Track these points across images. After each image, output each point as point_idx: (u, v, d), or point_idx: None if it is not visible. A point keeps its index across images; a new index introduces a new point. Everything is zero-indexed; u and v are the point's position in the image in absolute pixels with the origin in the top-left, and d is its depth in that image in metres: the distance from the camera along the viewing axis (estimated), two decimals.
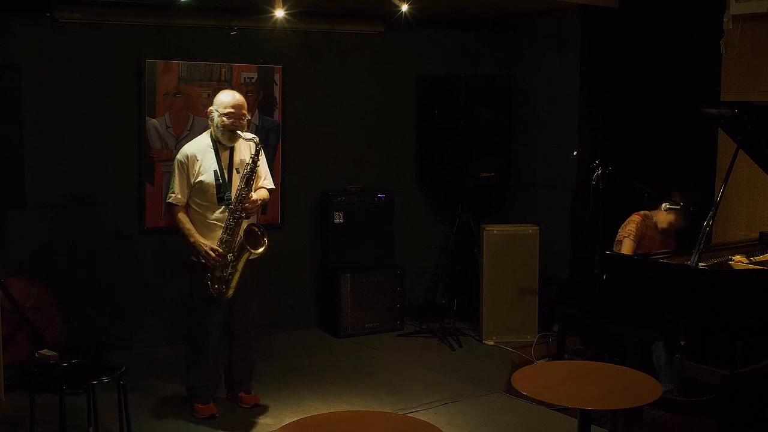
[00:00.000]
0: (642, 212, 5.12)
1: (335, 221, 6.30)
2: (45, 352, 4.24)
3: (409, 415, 4.37)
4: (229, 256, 4.42)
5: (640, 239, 5.02)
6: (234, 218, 4.43)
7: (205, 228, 4.50)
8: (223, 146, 4.52)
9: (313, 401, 4.88)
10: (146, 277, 5.84)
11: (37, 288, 5.20)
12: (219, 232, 4.46)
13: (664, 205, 4.98)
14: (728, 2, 5.17)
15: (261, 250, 4.45)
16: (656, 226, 5.08)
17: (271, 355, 5.59)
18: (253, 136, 4.51)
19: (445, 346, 6.04)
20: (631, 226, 5.07)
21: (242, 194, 4.42)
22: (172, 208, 4.52)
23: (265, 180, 4.68)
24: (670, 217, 5.01)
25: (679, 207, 4.93)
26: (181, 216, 4.50)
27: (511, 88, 6.53)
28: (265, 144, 6.05)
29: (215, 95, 4.55)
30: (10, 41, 5.30)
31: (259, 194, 4.56)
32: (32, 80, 5.37)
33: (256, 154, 4.47)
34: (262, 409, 4.73)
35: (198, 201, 4.52)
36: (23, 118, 5.32)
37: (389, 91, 6.64)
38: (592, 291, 5.08)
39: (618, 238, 5.11)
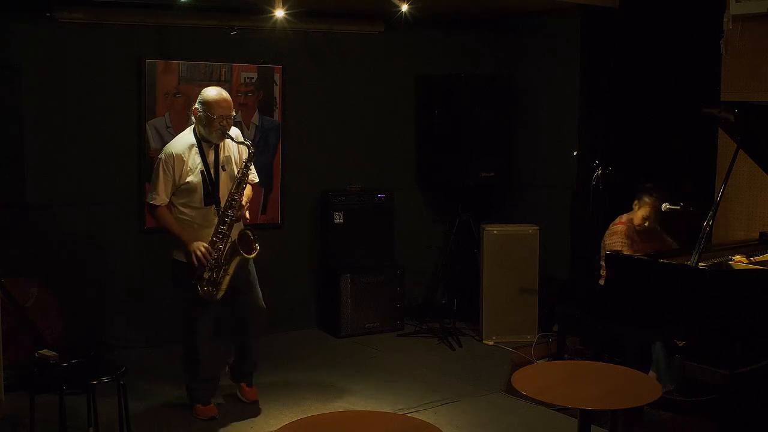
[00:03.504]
0: (623, 219, 5.05)
1: (335, 221, 6.30)
2: (45, 352, 4.23)
3: (409, 415, 4.37)
4: (221, 259, 4.38)
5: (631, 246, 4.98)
6: (226, 223, 4.39)
7: (189, 229, 4.43)
8: (207, 144, 4.44)
9: (313, 401, 4.88)
10: (146, 277, 5.83)
11: (37, 288, 5.20)
12: (203, 233, 4.41)
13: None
14: (728, 2, 5.16)
15: (254, 254, 4.44)
16: (635, 227, 5.02)
17: (271, 355, 5.59)
18: (244, 139, 4.48)
19: (445, 346, 6.04)
20: (616, 237, 4.94)
21: (233, 198, 4.39)
22: (154, 209, 4.41)
23: (252, 174, 4.62)
24: (644, 212, 4.97)
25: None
26: (166, 215, 4.42)
27: (511, 88, 6.54)
28: (265, 144, 6.09)
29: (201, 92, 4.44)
30: (10, 41, 5.31)
31: (245, 195, 4.50)
32: (32, 80, 5.38)
33: (249, 160, 4.42)
34: (262, 409, 4.72)
35: (183, 201, 4.44)
36: (23, 118, 5.34)
37: (389, 91, 6.64)
38: (592, 291, 5.08)
39: (607, 249, 5.03)
